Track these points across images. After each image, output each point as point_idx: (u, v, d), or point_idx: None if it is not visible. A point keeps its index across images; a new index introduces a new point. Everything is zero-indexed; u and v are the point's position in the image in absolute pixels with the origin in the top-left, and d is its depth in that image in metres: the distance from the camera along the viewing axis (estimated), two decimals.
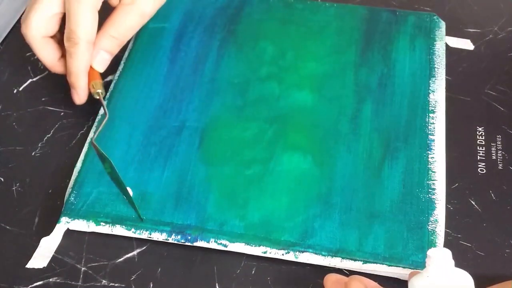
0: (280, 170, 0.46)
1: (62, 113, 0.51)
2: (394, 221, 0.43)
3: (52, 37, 0.48)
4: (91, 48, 0.47)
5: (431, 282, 0.33)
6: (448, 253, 0.34)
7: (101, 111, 0.49)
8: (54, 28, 0.47)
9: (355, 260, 0.41)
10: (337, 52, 0.53)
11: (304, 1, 0.58)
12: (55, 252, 0.43)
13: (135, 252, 0.43)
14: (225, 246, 0.42)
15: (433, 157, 0.46)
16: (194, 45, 0.54)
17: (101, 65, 0.49)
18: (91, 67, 0.48)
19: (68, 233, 0.43)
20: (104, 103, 0.48)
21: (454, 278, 0.33)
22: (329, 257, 0.41)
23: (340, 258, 0.41)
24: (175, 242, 0.42)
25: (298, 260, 0.41)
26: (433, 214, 0.43)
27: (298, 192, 0.44)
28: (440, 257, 0.34)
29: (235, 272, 0.42)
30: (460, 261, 0.37)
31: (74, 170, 0.46)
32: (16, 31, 0.58)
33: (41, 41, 0.47)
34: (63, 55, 0.48)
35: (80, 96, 0.48)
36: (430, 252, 0.34)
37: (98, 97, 0.48)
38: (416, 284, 0.34)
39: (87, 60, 0.47)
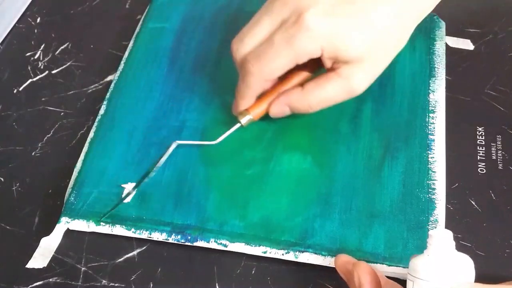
0: (280, 170, 0.46)
1: (62, 113, 0.51)
2: (394, 221, 0.43)
3: None
4: (264, 84, 0.44)
5: (432, 261, 0.33)
6: (449, 233, 0.34)
7: (100, 111, 0.49)
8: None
9: None
10: None
11: None
12: (55, 252, 0.43)
13: (135, 252, 0.43)
14: (225, 246, 0.42)
15: (433, 157, 0.46)
16: (194, 45, 0.54)
17: (276, 114, 0.46)
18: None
19: (68, 233, 0.43)
20: (234, 129, 0.46)
21: (454, 258, 0.34)
22: (329, 257, 0.41)
23: None
24: (175, 242, 0.42)
25: (298, 260, 0.41)
26: (433, 214, 0.43)
27: (298, 192, 0.44)
28: (441, 237, 0.34)
29: (235, 272, 0.42)
30: None
31: (74, 170, 0.46)
32: (16, 31, 0.58)
33: (262, 83, 0.44)
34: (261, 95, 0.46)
35: (235, 109, 0.46)
36: (432, 232, 0.35)
37: (237, 124, 0.46)
38: (416, 263, 0.34)
39: (256, 91, 0.45)
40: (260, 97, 0.46)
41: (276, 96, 0.45)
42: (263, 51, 0.42)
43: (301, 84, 0.45)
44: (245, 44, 0.43)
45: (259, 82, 0.44)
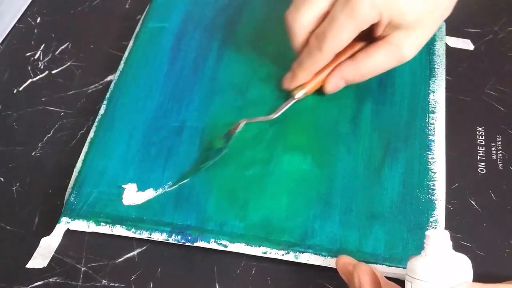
0: (280, 171, 0.46)
1: (62, 113, 0.51)
2: (394, 222, 0.43)
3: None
4: (331, 58, 0.46)
5: (430, 262, 0.33)
6: (446, 234, 0.34)
7: (100, 106, 0.49)
8: (319, 23, 0.45)
9: None
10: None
11: None
12: (55, 252, 0.43)
13: (135, 252, 0.43)
14: (225, 246, 0.42)
15: (433, 158, 0.46)
16: (194, 45, 0.54)
17: (332, 90, 0.48)
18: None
19: (68, 233, 0.43)
20: (289, 104, 0.48)
21: (452, 258, 0.34)
22: (329, 257, 0.41)
23: None
24: (175, 242, 0.42)
25: (298, 260, 0.41)
26: (433, 215, 0.43)
27: (298, 192, 0.44)
28: (438, 237, 0.34)
29: (235, 272, 0.42)
30: None
31: (74, 170, 0.46)
32: (16, 31, 0.58)
33: (304, 36, 0.46)
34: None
35: (287, 84, 0.48)
36: (429, 232, 0.35)
37: (292, 98, 0.48)
38: (414, 264, 0.34)
39: (321, 66, 0.46)
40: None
41: (330, 70, 0.47)
42: (328, 27, 0.43)
43: (351, 57, 0.47)
44: (303, 15, 0.45)
45: (327, 58, 0.45)
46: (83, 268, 0.42)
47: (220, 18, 0.57)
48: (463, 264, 0.33)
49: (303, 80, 0.48)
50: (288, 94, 0.49)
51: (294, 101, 0.48)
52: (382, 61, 0.46)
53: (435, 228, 0.42)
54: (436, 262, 0.33)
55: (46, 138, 0.50)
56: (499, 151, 0.48)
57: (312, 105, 0.50)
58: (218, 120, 0.49)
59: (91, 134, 0.48)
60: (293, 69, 0.48)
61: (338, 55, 0.46)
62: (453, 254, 0.34)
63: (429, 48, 0.53)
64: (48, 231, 0.43)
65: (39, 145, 0.49)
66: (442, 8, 0.45)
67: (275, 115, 0.47)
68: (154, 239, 0.43)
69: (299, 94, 0.48)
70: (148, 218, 0.43)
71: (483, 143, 0.48)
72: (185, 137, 0.48)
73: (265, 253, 0.42)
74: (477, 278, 0.34)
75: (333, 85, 0.48)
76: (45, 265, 0.42)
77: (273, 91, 0.51)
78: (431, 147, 0.46)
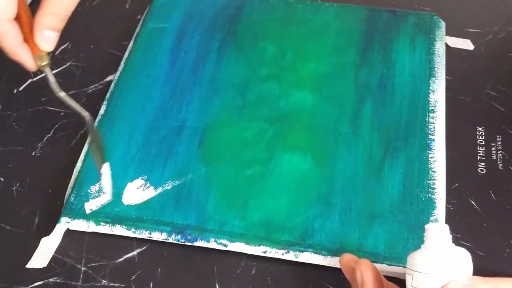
0: (280, 170, 0.46)
1: (62, 113, 0.51)
2: (394, 221, 0.43)
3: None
4: (13, 25, 0.43)
5: (430, 255, 0.33)
6: (445, 227, 0.35)
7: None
8: (16, 9, 0.43)
9: None
10: (337, 52, 0.53)
11: (304, 1, 0.58)
12: (55, 252, 0.43)
13: (135, 252, 0.43)
14: (225, 246, 0.42)
15: (433, 157, 0.46)
16: (194, 45, 0.54)
17: (48, 44, 0.45)
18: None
19: (68, 233, 0.43)
20: (51, 74, 0.44)
21: (452, 251, 0.34)
22: (329, 256, 0.41)
23: None
24: (175, 242, 0.42)
25: (298, 260, 0.41)
26: (433, 214, 0.43)
27: (298, 192, 0.44)
28: (437, 230, 0.34)
29: (235, 272, 0.42)
30: None
31: (74, 170, 0.46)
32: None
33: (7, 25, 0.43)
34: (25, 39, 0.44)
35: (29, 68, 0.45)
36: (428, 225, 0.35)
37: (44, 69, 0.44)
38: (414, 257, 0.34)
39: (14, 37, 0.43)
40: None
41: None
42: None
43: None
44: None
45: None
46: (83, 268, 0.42)
47: (220, 18, 0.57)
48: (463, 258, 0.33)
49: (22, 59, 0.44)
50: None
51: (48, 70, 0.44)
52: None
53: None
54: (436, 255, 0.33)
55: (46, 138, 0.50)
56: (499, 151, 0.48)
57: (312, 105, 0.50)
58: (218, 120, 0.49)
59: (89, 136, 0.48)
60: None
61: (21, 15, 0.43)
62: (453, 247, 0.34)
63: (429, 48, 0.53)
64: (48, 231, 0.43)
65: (39, 145, 0.49)
66: None
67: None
68: (154, 238, 0.43)
69: (43, 62, 0.43)
70: (148, 217, 0.43)
71: (483, 143, 0.48)
72: (185, 137, 0.48)
73: (265, 252, 0.42)
74: None
75: (45, 40, 0.44)
76: (45, 265, 0.42)
77: (273, 91, 0.51)
78: (431, 147, 0.46)
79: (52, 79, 0.44)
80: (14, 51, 0.44)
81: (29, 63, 0.45)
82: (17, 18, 0.44)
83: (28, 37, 0.44)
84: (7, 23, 0.43)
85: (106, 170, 0.43)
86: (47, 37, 0.45)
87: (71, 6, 0.45)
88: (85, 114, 0.44)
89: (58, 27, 0.45)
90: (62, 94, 0.44)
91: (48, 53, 0.44)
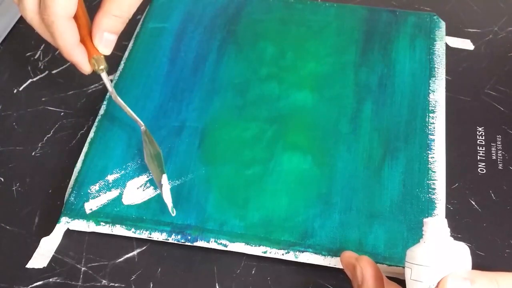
0: (280, 170, 0.46)
1: (62, 113, 0.51)
2: (394, 221, 0.43)
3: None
4: (72, 24, 0.43)
5: (429, 248, 0.33)
6: (444, 221, 0.35)
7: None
8: (76, 6, 0.42)
9: None
10: (337, 52, 0.53)
11: (304, 1, 0.58)
12: (55, 252, 0.43)
13: (135, 252, 0.43)
14: (225, 246, 0.42)
15: (433, 157, 0.46)
16: (194, 45, 0.54)
17: (107, 47, 0.44)
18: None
19: (68, 233, 0.43)
20: (107, 78, 0.45)
21: (450, 245, 0.34)
22: (329, 257, 0.41)
23: None
24: (175, 242, 0.42)
25: (298, 260, 0.41)
26: (433, 214, 0.43)
27: (298, 192, 0.44)
28: (436, 224, 0.34)
29: (235, 272, 0.42)
30: None
31: (74, 170, 0.46)
32: (16, 31, 0.58)
33: (66, 23, 0.42)
34: (81, 40, 0.44)
35: (83, 70, 0.45)
36: (427, 219, 0.35)
37: (101, 73, 0.44)
38: (414, 251, 0.34)
39: (72, 36, 0.43)
40: None
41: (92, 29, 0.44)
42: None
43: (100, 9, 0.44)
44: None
45: (61, 25, 0.42)
46: (83, 268, 0.42)
47: (220, 18, 0.57)
48: (462, 252, 0.33)
49: (77, 60, 0.44)
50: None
51: (105, 74, 0.44)
52: None
53: None
54: (435, 248, 0.33)
55: (46, 138, 0.50)
56: (499, 151, 0.48)
57: (312, 105, 0.50)
58: (218, 120, 0.49)
59: (91, 134, 0.48)
60: (66, 56, 0.44)
61: (80, 15, 0.44)
62: (451, 241, 0.34)
63: (429, 48, 0.53)
64: (48, 231, 0.43)
65: (39, 145, 0.49)
66: None
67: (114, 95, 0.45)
68: (154, 238, 0.43)
69: (100, 66, 0.44)
70: (148, 217, 0.43)
71: (483, 143, 0.48)
72: (185, 137, 0.48)
73: (265, 252, 0.42)
74: None
75: (105, 43, 0.44)
76: (45, 265, 0.42)
77: (273, 91, 0.51)
78: (431, 147, 0.46)
79: (108, 84, 0.44)
80: (70, 51, 0.43)
81: (85, 66, 0.44)
82: (75, 18, 0.43)
83: (85, 38, 0.44)
84: (66, 20, 0.42)
85: (165, 181, 0.43)
86: (107, 39, 0.44)
87: (134, 7, 0.44)
88: (141, 124, 0.45)
89: (118, 30, 0.44)
90: (118, 101, 0.44)
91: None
